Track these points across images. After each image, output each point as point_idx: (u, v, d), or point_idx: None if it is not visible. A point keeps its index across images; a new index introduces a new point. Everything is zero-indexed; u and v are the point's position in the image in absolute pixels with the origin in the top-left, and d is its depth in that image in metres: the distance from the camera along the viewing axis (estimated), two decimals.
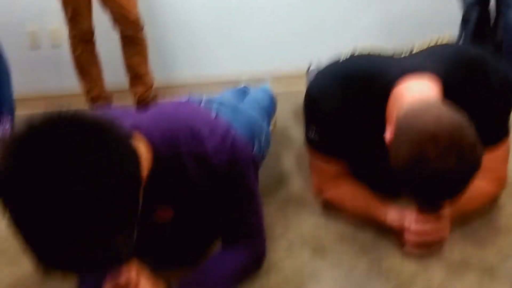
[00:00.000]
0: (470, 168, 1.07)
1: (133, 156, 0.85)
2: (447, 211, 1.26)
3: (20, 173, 0.75)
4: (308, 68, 2.56)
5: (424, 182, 1.07)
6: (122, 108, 1.16)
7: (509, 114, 1.38)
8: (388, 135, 1.18)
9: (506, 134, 1.39)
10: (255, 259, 1.19)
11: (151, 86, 2.73)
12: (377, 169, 1.44)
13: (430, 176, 1.06)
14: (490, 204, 1.43)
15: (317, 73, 1.43)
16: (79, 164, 0.76)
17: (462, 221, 1.36)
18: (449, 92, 1.21)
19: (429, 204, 1.21)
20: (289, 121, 2.41)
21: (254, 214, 1.17)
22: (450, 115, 1.08)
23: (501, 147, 1.37)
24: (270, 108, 2.01)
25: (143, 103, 2.72)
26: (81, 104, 2.68)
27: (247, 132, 1.46)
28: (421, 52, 1.37)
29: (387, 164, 1.19)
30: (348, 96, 1.33)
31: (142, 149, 0.97)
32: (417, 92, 1.18)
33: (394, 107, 1.20)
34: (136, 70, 2.64)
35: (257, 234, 1.19)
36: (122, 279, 1.01)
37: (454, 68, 1.27)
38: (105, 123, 0.83)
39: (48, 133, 0.77)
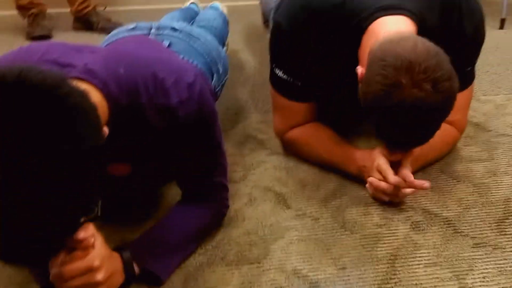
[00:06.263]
0: (445, 99, 1.03)
1: (93, 120, 0.73)
2: (411, 156, 1.23)
3: None
4: None
5: (397, 114, 1.02)
6: (71, 45, 0.99)
7: (476, 59, 1.35)
8: (360, 69, 1.11)
9: (471, 79, 1.37)
10: (219, 215, 1.13)
11: None
12: (348, 109, 1.39)
13: (404, 105, 1.00)
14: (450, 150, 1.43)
15: (286, 6, 1.29)
16: (29, 141, 0.63)
17: (421, 168, 1.35)
18: (423, 35, 1.15)
19: (398, 144, 1.17)
20: (240, 44, 2.27)
21: (219, 170, 1.08)
22: (427, 45, 1.03)
23: (466, 92, 1.35)
24: (223, 29, 1.87)
25: (80, 14, 2.47)
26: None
27: (205, 61, 1.34)
28: None
29: (358, 104, 1.13)
30: (322, 33, 1.23)
31: (97, 98, 0.85)
32: (394, 26, 1.12)
33: (369, 43, 1.13)
34: None
35: (221, 189, 1.11)
36: (80, 234, 0.91)
37: (430, 11, 1.21)
38: (55, 83, 0.68)
39: None
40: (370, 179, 1.23)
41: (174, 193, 1.26)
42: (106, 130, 0.80)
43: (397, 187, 1.20)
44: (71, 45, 1.00)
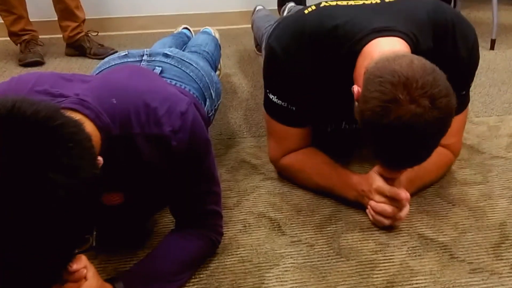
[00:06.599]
0: (443, 115, 1.01)
1: (87, 150, 0.72)
2: (404, 179, 1.22)
3: None
4: (255, 9, 2.41)
5: (395, 130, 1.00)
6: (61, 74, 0.99)
7: (471, 82, 1.35)
8: (357, 88, 1.10)
9: (466, 102, 1.37)
10: (213, 243, 1.11)
11: (83, 21, 2.48)
12: (343, 132, 1.39)
13: (402, 121, 0.98)
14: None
15: (280, 32, 1.29)
16: (24, 173, 0.62)
17: (416, 192, 1.34)
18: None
19: (396, 163, 1.14)
20: (232, 68, 2.28)
21: (212, 197, 1.07)
22: (423, 62, 1.03)
23: (461, 115, 1.34)
24: (215, 54, 1.87)
25: (73, 40, 2.47)
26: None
27: (197, 87, 1.34)
28: (394, 3, 1.27)
29: (353, 127, 1.12)
30: (316, 58, 1.23)
31: (90, 128, 0.84)
32: (388, 47, 1.12)
33: (364, 64, 1.12)
34: (67, 3, 2.38)
35: (215, 216, 1.10)
36: (73, 266, 0.90)
37: (423, 34, 1.21)
38: (49, 114, 0.67)
39: None
40: (371, 203, 1.22)
41: (167, 221, 1.25)
42: (100, 160, 0.79)
43: (397, 209, 1.19)
44: (61, 74, 1.00)
